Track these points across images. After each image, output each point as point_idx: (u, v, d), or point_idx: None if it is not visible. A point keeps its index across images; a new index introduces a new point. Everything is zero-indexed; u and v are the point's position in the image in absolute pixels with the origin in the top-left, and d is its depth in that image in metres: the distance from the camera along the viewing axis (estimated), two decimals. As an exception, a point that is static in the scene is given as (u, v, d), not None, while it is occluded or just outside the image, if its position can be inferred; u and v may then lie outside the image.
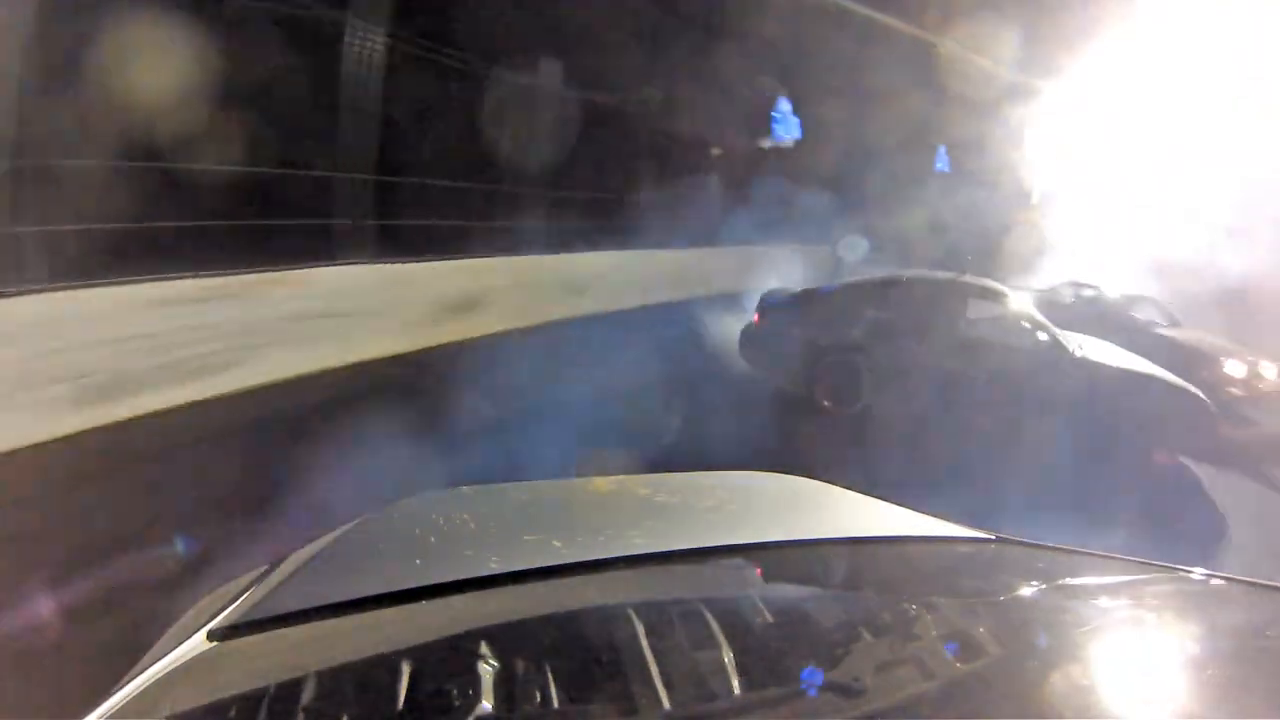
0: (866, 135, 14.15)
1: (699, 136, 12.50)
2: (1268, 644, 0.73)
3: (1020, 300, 5.21)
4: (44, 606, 2.28)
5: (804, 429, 4.92)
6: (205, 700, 0.62)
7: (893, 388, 4.97)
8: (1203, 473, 4.67)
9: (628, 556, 0.92)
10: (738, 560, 0.95)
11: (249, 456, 3.67)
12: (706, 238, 10.71)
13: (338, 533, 1.07)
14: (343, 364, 5.32)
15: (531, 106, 8.71)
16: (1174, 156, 13.99)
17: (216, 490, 3.21)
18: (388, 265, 5.91)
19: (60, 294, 3.67)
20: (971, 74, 14.30)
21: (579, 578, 0.86)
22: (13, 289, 3.50)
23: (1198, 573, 0.93)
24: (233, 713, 0.59)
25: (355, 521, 1.12)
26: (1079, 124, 15.41)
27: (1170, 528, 3.80)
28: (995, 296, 5.16)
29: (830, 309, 5.31)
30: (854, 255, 13.03)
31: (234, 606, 0.80)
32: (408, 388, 5.14)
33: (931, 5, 13.96)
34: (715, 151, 13.14)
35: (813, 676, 0.62)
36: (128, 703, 0.61)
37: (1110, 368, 4.75)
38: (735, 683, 0.60)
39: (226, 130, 5.08)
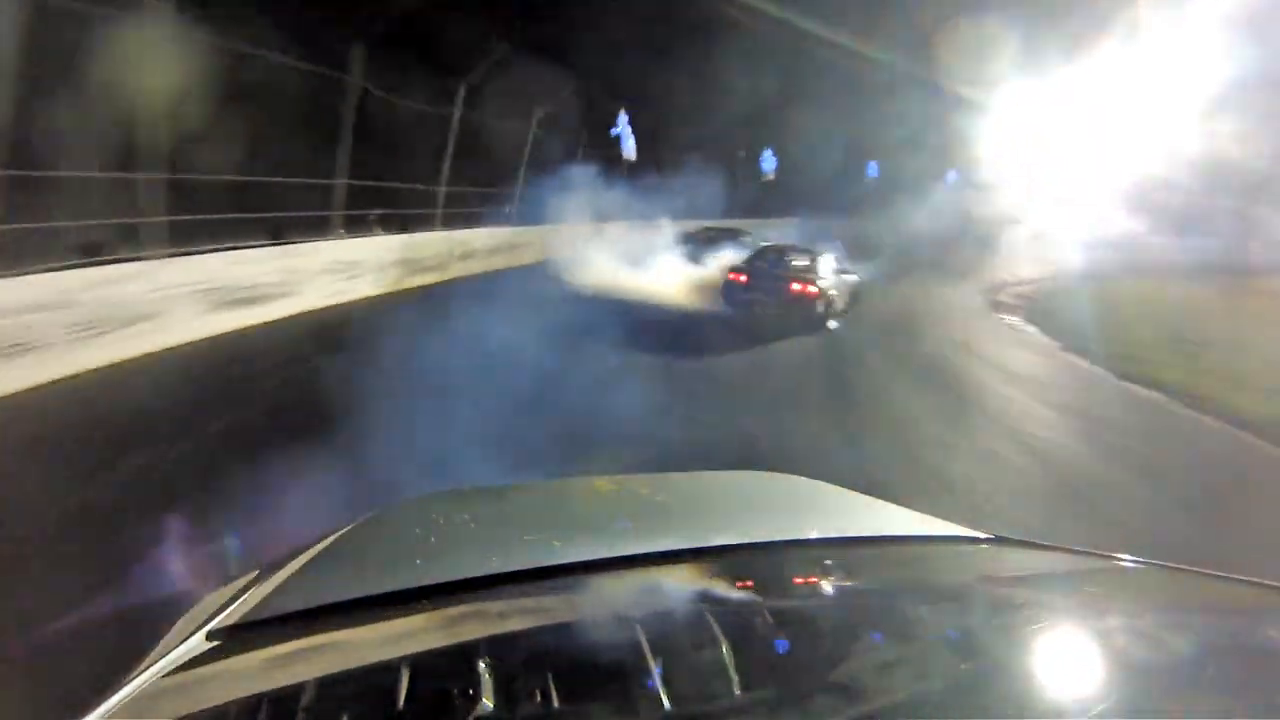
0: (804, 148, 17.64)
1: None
2: (1268, 642, 0.72)
3: (817, 251, 9.16)
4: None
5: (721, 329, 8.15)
6: (206, 700, 0.62)
7: (764, 304, 8.59)
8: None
9: (628, 556, 0.91)
10: (738, 560, 0.95)
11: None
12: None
13: (338, 533, 1.06)
14: (357, 298, 8.79)
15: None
16: (1084, 158, 17.47)
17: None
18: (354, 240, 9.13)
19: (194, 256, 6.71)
20: (908, 92, 16.90)
21: (579, 578, 0.86)
22: (173, 250, 6.73)
23: (1198, 571, 0.92)
24: (233, 712, 0.59)
25: (355, 522, 1.12)
26: (1005, 131, 18.13)
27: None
28: (807, 251, 9.19)
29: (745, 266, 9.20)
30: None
31: (234, 607, 0.79)
32: (403, 301, 8.88)
33: (877, 27, 15.96)
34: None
35: (812, 676, 0.62)
36: (128, 702, 0.60)
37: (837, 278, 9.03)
38: (735, 682, 0.59)
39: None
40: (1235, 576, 0.91)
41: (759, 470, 1.59)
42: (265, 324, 7.07)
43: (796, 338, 7.85)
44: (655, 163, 16.32)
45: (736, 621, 0.75)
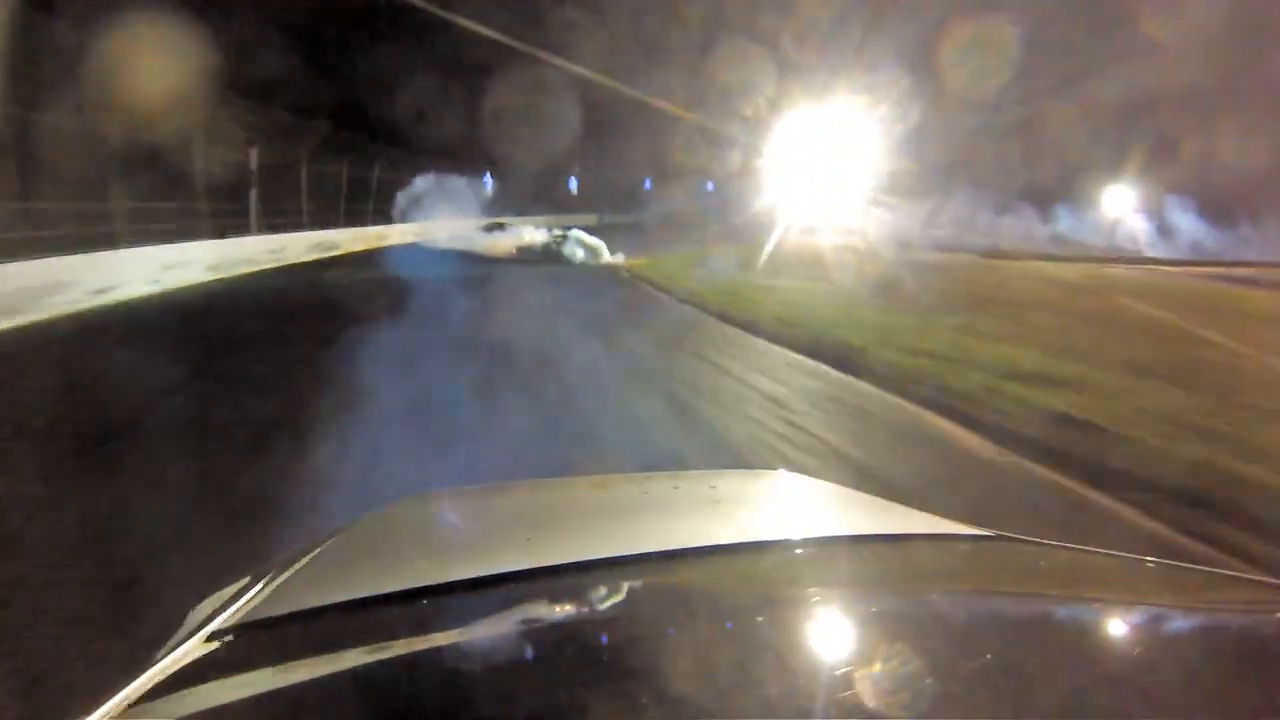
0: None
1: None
2: (1271, 641, 0.72)
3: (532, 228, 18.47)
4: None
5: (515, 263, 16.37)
6: (206, 701, 0.62)
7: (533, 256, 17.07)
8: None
9: (627, 556, 0.92)
10: (738, 560, 0.95)
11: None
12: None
13: (338, 533, 1.07)
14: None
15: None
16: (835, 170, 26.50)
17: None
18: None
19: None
20: (678, 129, 25.99)
21: (578, 577, 0.86)
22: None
23: (1203, 570, 0.95)
24: (233, 714, 0.59)
25: (355, 522, 1.13)
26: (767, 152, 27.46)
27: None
28: (562, 231, 18.07)
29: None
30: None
31: (234, 608, 0.79)
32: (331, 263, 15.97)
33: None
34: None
35: (813, 676, 0.61)
36: (128, 704, 0.60)
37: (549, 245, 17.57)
38: (735, 683, 0.59)
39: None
40: (1238, 575, 0.98)
41: (760, 470, 1.68)
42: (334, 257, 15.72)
43: (544, 267, 16.10)
44: (502, 185, 24.97)
45: (737, 622, 0.75)
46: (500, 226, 20.27)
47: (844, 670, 0.61)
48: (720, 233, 25.21)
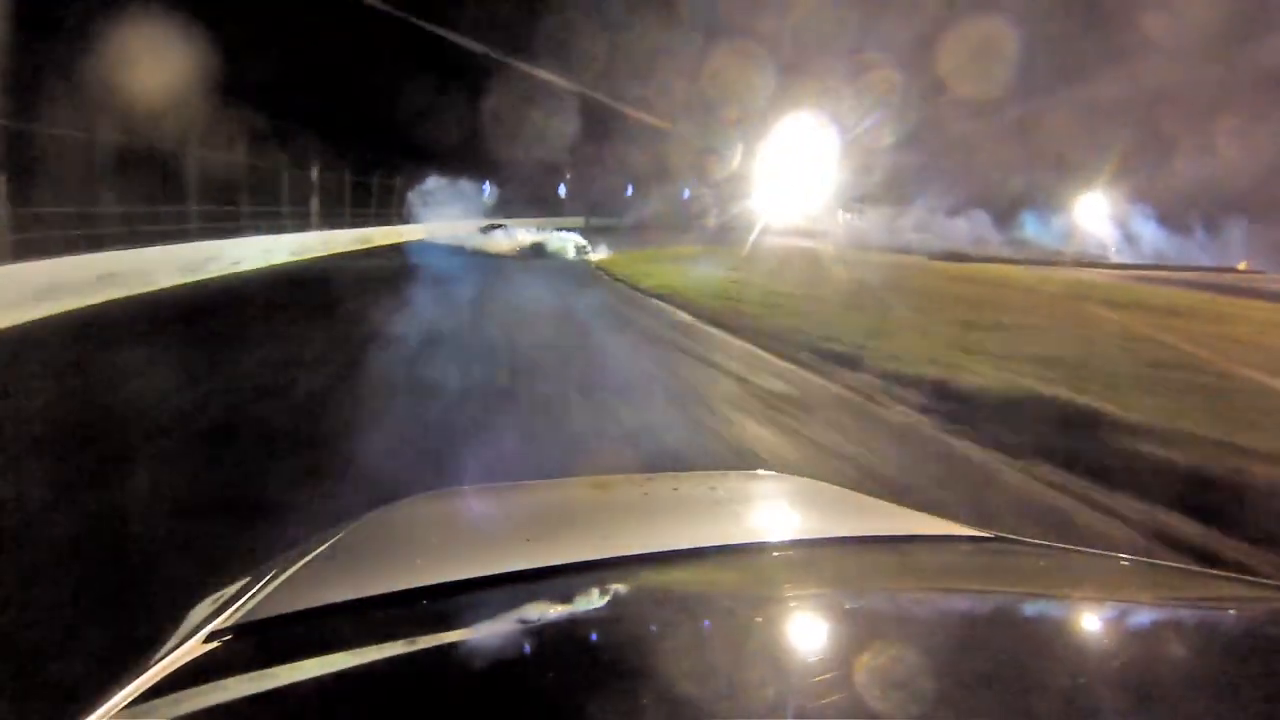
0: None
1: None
2: (1270, 642, 0.72)
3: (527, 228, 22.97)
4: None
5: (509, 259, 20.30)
6: (205, 702, 0.62)
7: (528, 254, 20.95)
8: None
9: (628, 556, 0.92)
10: (739, 560, 0.95)
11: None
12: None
13: (338, 534, 1.07)
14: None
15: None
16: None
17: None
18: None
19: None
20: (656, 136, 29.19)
21: (578, 578, 0.86)
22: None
23: (1202, 571, 0.96)
24: (233, 714, 0.59)
25: (355, 522, 1.14)
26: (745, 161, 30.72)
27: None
28: (555, 231, 22.56)
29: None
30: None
31: (234, 608, 0.80)
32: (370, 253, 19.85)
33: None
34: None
35: (813, 677, 0.61)
36: (127, 704, 0.60)
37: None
38: (735, 683, 0.60)
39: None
40: (1237, 576, 0.96)
41: (760, 471, 1.66)
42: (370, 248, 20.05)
43: (533, 260, 19.94)
44: (500, 190, 28.28)
45: (737, 622, 0.75)
46: (497, 227, 24.06)
47: (844, 671, 0.62)
48: (695, 235, 28.58)
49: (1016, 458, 4.47)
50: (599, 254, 21.24)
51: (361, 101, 19.94)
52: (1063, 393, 5.66)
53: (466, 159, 27.50)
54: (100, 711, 0.60)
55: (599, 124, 27.25)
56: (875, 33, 27.19)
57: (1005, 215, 36.97)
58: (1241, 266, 33.23)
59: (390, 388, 5.54)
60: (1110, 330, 10.54)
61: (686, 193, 36.61)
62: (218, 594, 0.91)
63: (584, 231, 23.92)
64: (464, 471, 3.77)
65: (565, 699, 0.58)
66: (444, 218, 26.94)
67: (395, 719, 0.57)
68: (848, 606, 0.84)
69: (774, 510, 1.34)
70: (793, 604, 0.83)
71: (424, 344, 7.21)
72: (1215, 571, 1.01)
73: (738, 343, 8.49)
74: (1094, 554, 1.06)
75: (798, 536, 1.11)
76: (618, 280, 15.75)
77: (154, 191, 12.69)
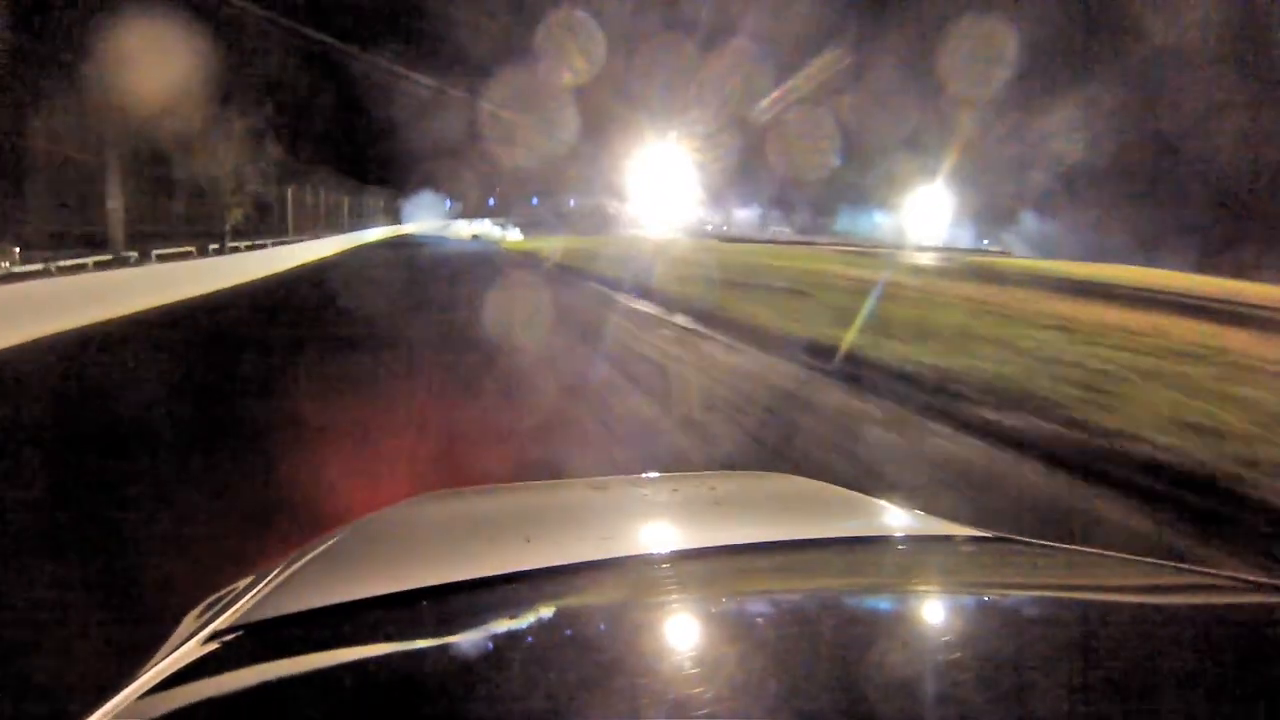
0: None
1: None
2: (1271, 643, 0.72)
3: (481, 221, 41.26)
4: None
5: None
6: (205, 703, 0.63)
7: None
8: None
9: (628, 557, 0.94)
10: (738, 560, 0.95)
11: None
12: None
13: (338, 534, 1.09)
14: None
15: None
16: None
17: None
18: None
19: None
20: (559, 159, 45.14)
21: (578, 579, 0.87)
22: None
23: (1204, 571, 0.94)
24: (233, 714, 0.60)
25: (355, 523, 1.15)
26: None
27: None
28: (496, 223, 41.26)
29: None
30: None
31: (235, 608, 0.81)
32: (387, 242, 35.17)
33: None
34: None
35: (813, 678, 0.61)
36: (128, 705, 0.61)
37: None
38: (735, 684, 0.60)
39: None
40: (1238, 576, 0.94)
41: (761, 471, 1.66)
42: (387, 239, 35.79)
43: (474, 242, 36.51)
44: (457, 201, 44.98)
45: (738, 623, 0.76)
46: (456, 222, 40.04)
47: (844, 672, 0.62)
48: (574, 229, 40.10)
49: (630, 295, 14.79)
50: (509, 238, 37.17)
51: (365, 138, 34.90)
52: (657, 281, 16.98)
53: (437, 180, 43.36)
54: (101, 711, 0.60)
55: (516, 148, 43.06)
56: (711, 74, 39.18)
57: (819, 209, 53.97)
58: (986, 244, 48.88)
59: (419, 263, 21.81)
60: (739, 259, 24.02)
61: (572, 201, 53.82)
62: (218, 594, 0.93)
63: (503, 227, 40.36)
64: (437, 283, 18.30)
65: (565, 700, 0.58)
66: (423, 220, 43.10)
67: (395, 719, 0.56)
68: (847, 607, 0.84)
69: (773, 510, 1.33)
70: (793, 604, 0.83)
71: (421, 258, 23.29)
72: (1216, 571, 1.00)
73: (546, 265, 21.68)
74: (1095, 554, 1.06)
75: (797, 537, 1.10)
76: (510, 248, 31.51)
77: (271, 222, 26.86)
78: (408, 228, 42.00)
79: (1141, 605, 0.87)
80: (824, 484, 1.49)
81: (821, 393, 6.59)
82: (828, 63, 36.91)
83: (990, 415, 5.46)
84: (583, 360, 7.95)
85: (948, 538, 1.14)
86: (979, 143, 37.56)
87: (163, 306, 10.60)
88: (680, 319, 10.97)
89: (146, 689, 0.63)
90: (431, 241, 35.03)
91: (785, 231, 51.08)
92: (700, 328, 10.09)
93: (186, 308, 10.90)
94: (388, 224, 39.33)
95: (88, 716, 0.59)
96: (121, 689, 0.64)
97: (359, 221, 33.92)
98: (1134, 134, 32.56)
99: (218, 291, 12.86)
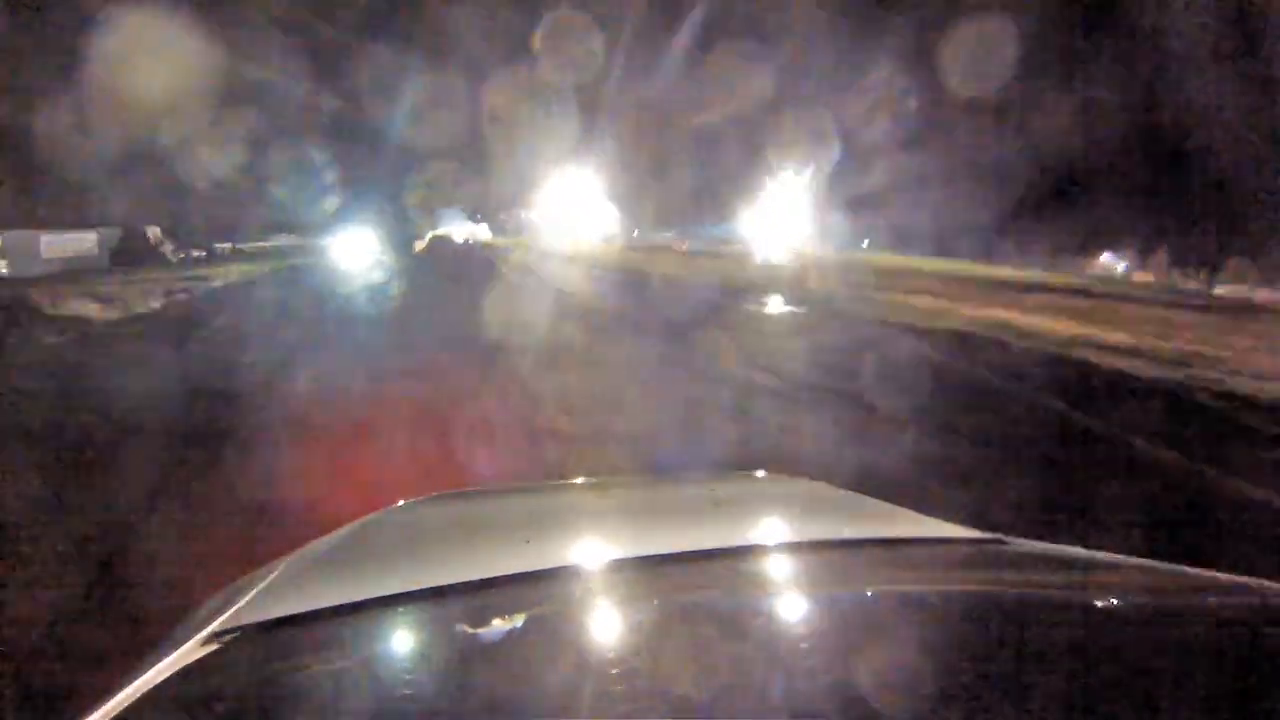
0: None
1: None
2: (1273, 644, 0.72)
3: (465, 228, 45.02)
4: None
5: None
6: (205, 704, 0.63)
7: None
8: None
9: (628, 558, 0.93)
10: (738, 561, 0.95)
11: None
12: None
13: (338, 535, 1.09)
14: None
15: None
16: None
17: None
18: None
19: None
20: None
21: (580, 580, 0.87)
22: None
23: (1203, 571, 0.94)
24: (233, 714, 0.60)
25: (355, 524, 1.15)
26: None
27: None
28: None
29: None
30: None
31: (234, 609, 0.80)
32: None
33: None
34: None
35: (815, 679, 0.61)
36: (128, 705, 0.60)
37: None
38: (735, 686, 0.60)
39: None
40: (1238, 577, 0.94)
41: (763, 472, 1.68)
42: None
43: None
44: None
45: (739, 624, 0.76)
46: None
47: (843, 674, 0.63)
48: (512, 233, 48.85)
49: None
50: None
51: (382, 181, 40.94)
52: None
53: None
54: (101, 711, 0.59)
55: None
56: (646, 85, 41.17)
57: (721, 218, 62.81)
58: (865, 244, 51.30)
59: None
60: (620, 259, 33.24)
61: (502, 216, 61.49)
62: (218, 594, 0.93)
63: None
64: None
65: (565, 701, 0.58)
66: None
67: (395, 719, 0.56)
68: (847, 609, 0.83)
69: (774, 512, 1.32)
70: (793, 606, 0.83)
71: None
72: (1216, 572, 0.96)
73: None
74: (1094, 556, 1.04)
75: (798, 539, 1.10)
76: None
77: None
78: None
79: (1142, 607, 0.86)
80: (824, 485, 1.47)
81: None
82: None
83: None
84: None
85: (949, 539, 1.12)
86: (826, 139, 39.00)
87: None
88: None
89: (146, 689, 0.63)
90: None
91: (669, 237, 57.02)
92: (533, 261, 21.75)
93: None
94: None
95: (88, 716, 0.59)
96: (122, 689, 0.63)
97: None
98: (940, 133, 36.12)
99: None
